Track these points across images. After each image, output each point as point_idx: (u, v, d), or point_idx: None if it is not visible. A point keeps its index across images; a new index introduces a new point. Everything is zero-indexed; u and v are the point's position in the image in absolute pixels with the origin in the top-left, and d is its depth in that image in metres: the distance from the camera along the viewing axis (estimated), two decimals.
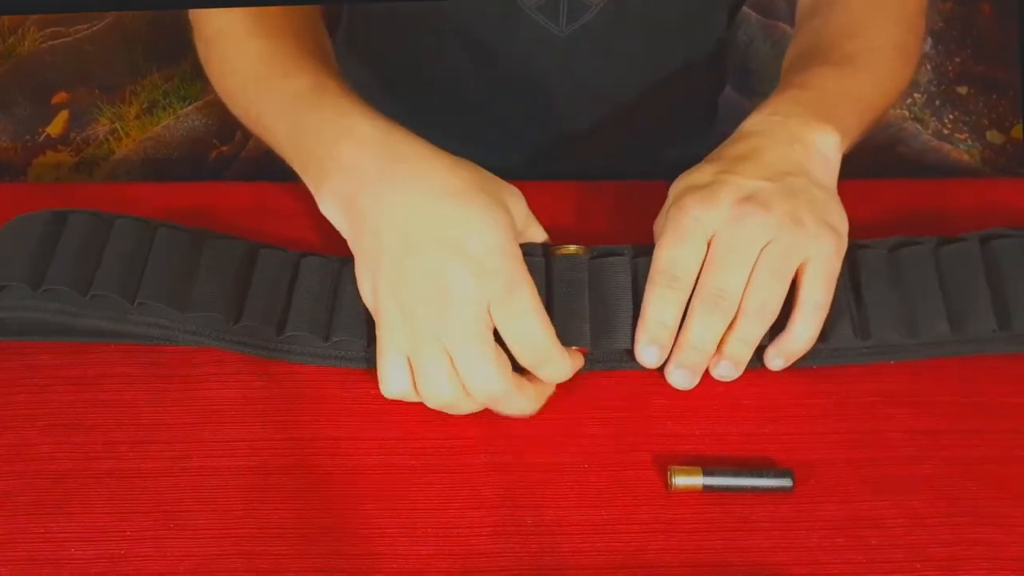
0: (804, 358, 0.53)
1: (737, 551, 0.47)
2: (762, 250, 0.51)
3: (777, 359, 0.53)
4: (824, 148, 0.56)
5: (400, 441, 0.51)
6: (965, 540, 0.47)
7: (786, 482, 0.49)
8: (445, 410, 0.51)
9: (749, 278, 0.51)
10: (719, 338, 0.52)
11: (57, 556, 0.47)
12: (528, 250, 0.54)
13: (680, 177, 0.55)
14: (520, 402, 0.51)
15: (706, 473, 0.49)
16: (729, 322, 0.52)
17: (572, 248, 0.56)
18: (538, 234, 0.56)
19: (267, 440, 0.51)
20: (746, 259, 0.51)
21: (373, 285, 0.52)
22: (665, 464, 0.50)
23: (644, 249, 0.55)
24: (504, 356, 0.50)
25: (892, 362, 0.54)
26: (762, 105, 0.59)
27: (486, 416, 0.52)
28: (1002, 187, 0.69)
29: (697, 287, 0.52)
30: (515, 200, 0.54)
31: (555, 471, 0.50)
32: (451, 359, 0.49)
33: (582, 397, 0.53)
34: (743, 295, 0.51)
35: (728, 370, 0.53)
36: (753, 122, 0.57)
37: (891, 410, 0.53)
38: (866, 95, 0.62)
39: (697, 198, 0.53)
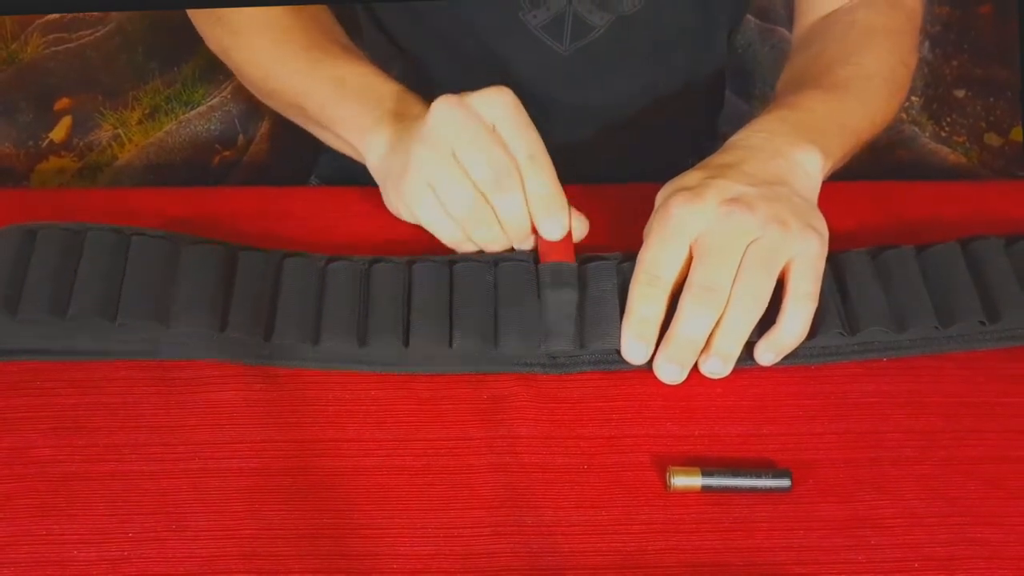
0: (794, 356, 0.54)
1: (736, 551, 0.47)
2: (748, 247, 0.52)
3: (768, 353, 0.53)
4: (807, 165, 0.57)
5: (401, 442, 0.51)
6: (964, 539, 0.48)
7: (784, 482, 0.49)
8: (470, 227, 0.57)
9: (737, 273, 0.52)
10: (708, 332, 0.52)
11: (60, 558, 0.47)
12: (520, 257, 0.57)
13: (668, 183, 0.57)
14: (517, 198, 0.56)
15: (705, 473, 0.49)
16: (718, 316, 0.52)
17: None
18: None
19: (268, 442, 0.51)
20: (733, 255, 0.52)
21: (404, 156, 0.57)
22: (664, 465, 0.50)
23: (631, 255, 0.56)
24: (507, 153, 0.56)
25: (887, 360, 0.55)
26: (751, 122, 0.60)
27: (487, 417, 0.52)
28: (1000, 190, 0.69)
29: (686, 282, 0.53)
30: None
31: (555, 471, 0.50)
32: (464, 169, 0.55)
33: (581, 398, 0.53)
34: (731, 289, 0.52)
35: (717, 366, 0.53)
36: (741, 136, 0.59)
37: (889, 410, 0.53)
38: (853, 121, 0.63)
39: (683, 199, 0.54)
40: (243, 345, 0.54)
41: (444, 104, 0.56)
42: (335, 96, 0.64)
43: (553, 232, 0.56)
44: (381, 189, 0.61)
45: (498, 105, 0.56)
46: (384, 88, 0.64)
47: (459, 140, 0.55)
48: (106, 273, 0.54)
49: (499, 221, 0.57)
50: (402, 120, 0.61)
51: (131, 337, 0.53)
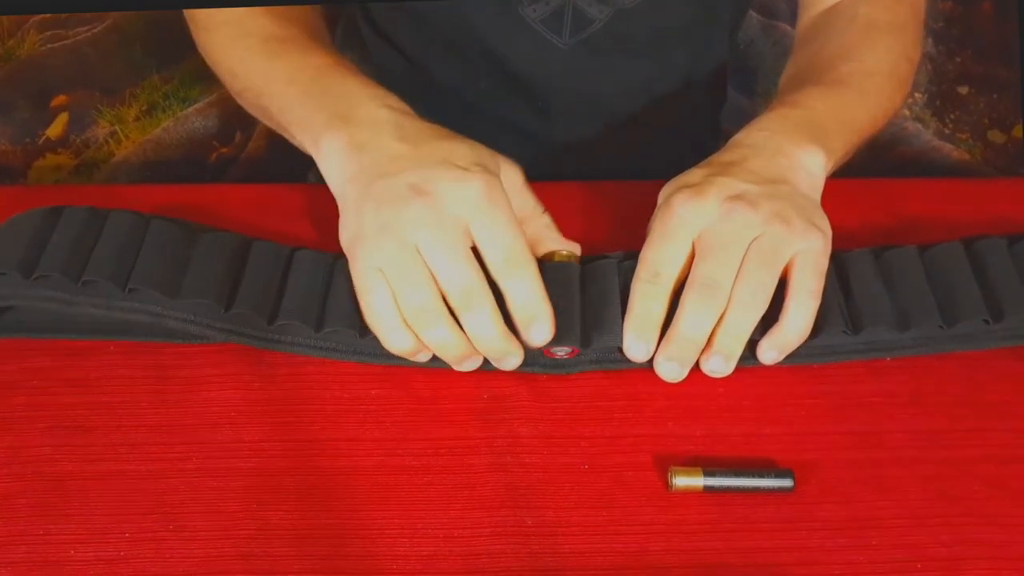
0: (797, 355, 0.53)
1: (738, 552, 0.47)
2: (750, 244, 0.52)
3: (771, 351, 0.53)
4: (809, 165, 0.57)
5: (400, 442, 0.51)
6: (966, 540, 0.47)
7: (787, 483, 0.49)
8: (422, 324, 0.51)
9: (739, 270, 0.52)
10: (710, 330, 0.52)
11: (57, 558, 0.47)
12: None
13: (670, 181, 0.56)
14: (490, 316, 0.51)
15: (707, 474, 0.49)
16: (720, 314, 0.52)
17: (564, 254, 0.56)
18: (527, 202, 0.57)
19: (267, 441, 0.51)
20: (735, 252, 0.52)
21: (357, 214, 0.53)
22: (666, 465, 0.50)
23: (632, 254, 0.56)
24: (477, 263, 0.51)
25: (889, 360, 0.54)
26: (754, 121, 0.60)
27: (487, 417, 0.52)
28: (1003, 187, 0.69)
29: (688, 280, 0.52)
30: (510, 167, 0.57)
31: (555, 472, 0.50)
32: (427, 265, 0.51)
33: (582, 397, 0.53)
34: (733, 286, 0.52)
35: (719, 364, 0.53)
36: (743, 135, 0.59)
37: (892, 410, 0.53)
38: (855, 118, 0.63)
39: (685, 196, 0.53)
40: (246, 325, 0.54)
41: (414, 200, 0.51)
42: (287, 95, 0.61)
43: (538, 338, 0.52)
44: (340, 212, 0.56)
45: (471, 198, 0.51)
46: (334, 83, 0.59)
47: (425, 240, 0.51)
48: (123, 248, 0.55)
49: (468, 336, 0.52)
50: (350, 123, 0.56)
51: (138, 307, 0.53)
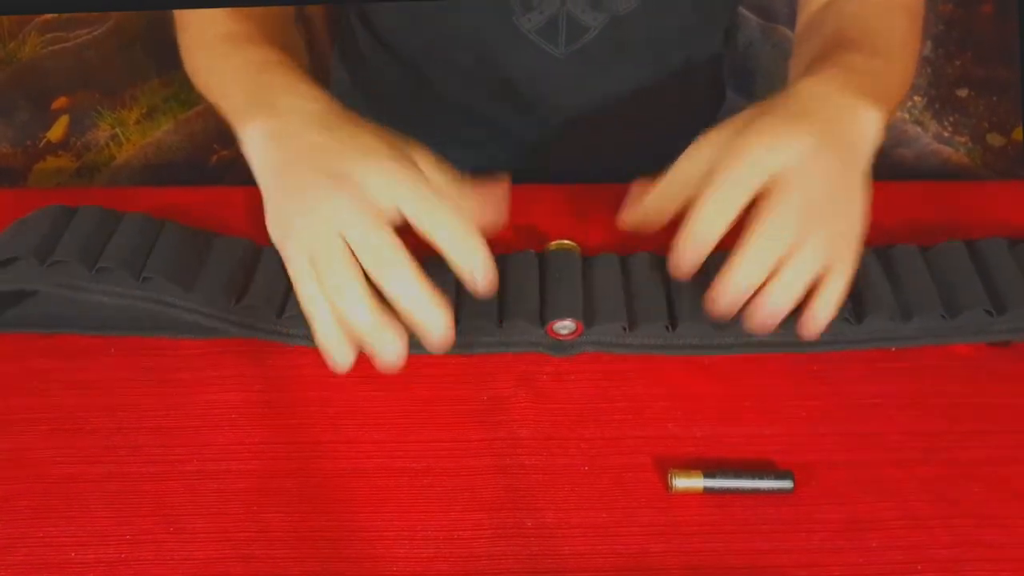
0: (800, 344, 0.53)
1: (738, 553, 0.47)
2: (816, 203, 0.50)
3: (826, 309, 0.50)
4: (868, 125, 0.54)
5: (400, 444, 0.51)
6: (966, 542, 0.47)
7: (787, 484, 0.49)
8: (351, 315, 0.49)
9: (805, 224, 0.50)
10: (729, 226, 0.49)
11: (57, 560, 0.47)
12: (524, 252, 0.58)
13: (738, 116, 0.54)
14: (404, 273, 0.48)
15: (707, 475, 0.49)
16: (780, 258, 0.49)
17: (566, 243, 0.57)
18: (446, 178, 0.54)
19: (267, 444, 0.51)
20: (805, 207, 0.49)
21: (281, 204, 0.52)
22: (666, 466, 0.50)
23: (634, 255, 0.56)
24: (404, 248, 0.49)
25: (889, 362, 0.54)
26: (804, 75, 0.57)
27: (487, 418, 0.52)
28: (1003, 189, 0.69)
29: (756, 212, 0.50)
30: (420, 152, 0.54)
31: (555, 473, 0.50)
32: (354, 254, 0.49)
33: (582, 399, 0.53)
34: (801, 238, 0.49)
35: (774, 310, 0.50)
36: (802, 86, 0.56)
37: (892, 412, 0.53)
38: (892, 84, 0.61)
39: (769, 136, 0.51)
40: (256, 318, 0.55)
41: (337, 190, 0.50)
42: (227, 89, 0.60)
43: (475, 276, 0.50)
44: (264, 201, 0.54)
45: (397, 185, 0.50)
46: (266, 77, 0.59)
47: (352, 230, 0.49)
48: (138, 242, 0.56)
49: (398, 310, 0.49)
50: (272, 113, 0.55)
51: (152, 296, 0.54)
